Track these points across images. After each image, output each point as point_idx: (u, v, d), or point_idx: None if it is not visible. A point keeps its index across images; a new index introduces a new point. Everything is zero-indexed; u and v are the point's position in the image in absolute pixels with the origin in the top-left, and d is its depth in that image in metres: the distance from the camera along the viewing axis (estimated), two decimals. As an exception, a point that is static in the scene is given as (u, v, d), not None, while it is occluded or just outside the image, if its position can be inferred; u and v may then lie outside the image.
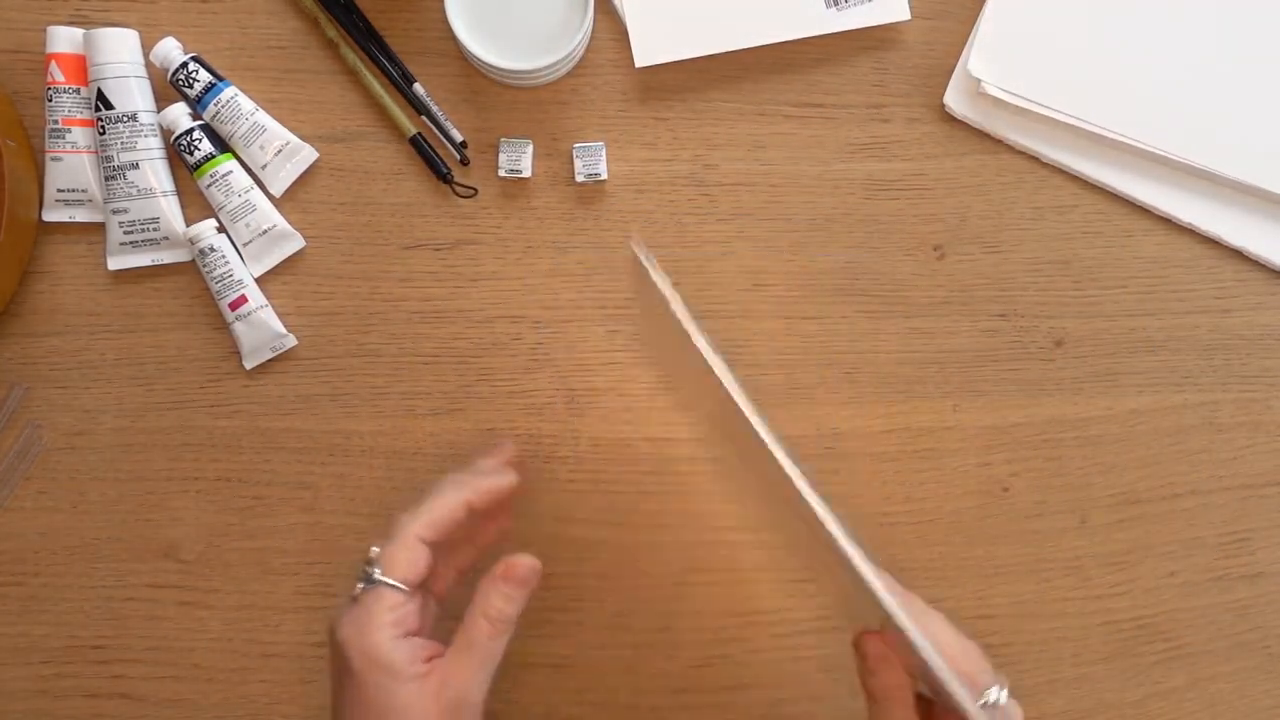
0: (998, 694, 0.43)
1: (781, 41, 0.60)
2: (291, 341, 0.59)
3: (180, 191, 0.59)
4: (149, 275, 0.59)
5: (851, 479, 0.61)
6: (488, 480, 0.50)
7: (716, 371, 0.42)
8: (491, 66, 0.57)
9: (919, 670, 0.44)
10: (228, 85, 0.58)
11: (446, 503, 0.47)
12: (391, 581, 0.44)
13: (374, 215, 0.60)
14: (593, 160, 0.60)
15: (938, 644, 0.40)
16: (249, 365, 0.59)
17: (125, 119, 0.57)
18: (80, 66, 0.58)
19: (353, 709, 0.43)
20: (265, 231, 0.59)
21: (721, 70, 0.61)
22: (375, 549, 0.46)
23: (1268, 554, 0.62)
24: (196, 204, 0.60)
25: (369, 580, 0.45)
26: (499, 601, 0.46)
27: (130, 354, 0.59)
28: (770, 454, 0.41)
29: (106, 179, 0.58)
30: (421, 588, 0.47)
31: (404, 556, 0.45)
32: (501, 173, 0.60)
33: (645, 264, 0.44)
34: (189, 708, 0.58)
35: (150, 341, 0.59)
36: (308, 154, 0.59)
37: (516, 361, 0.60)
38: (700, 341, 0.42)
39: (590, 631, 0.59)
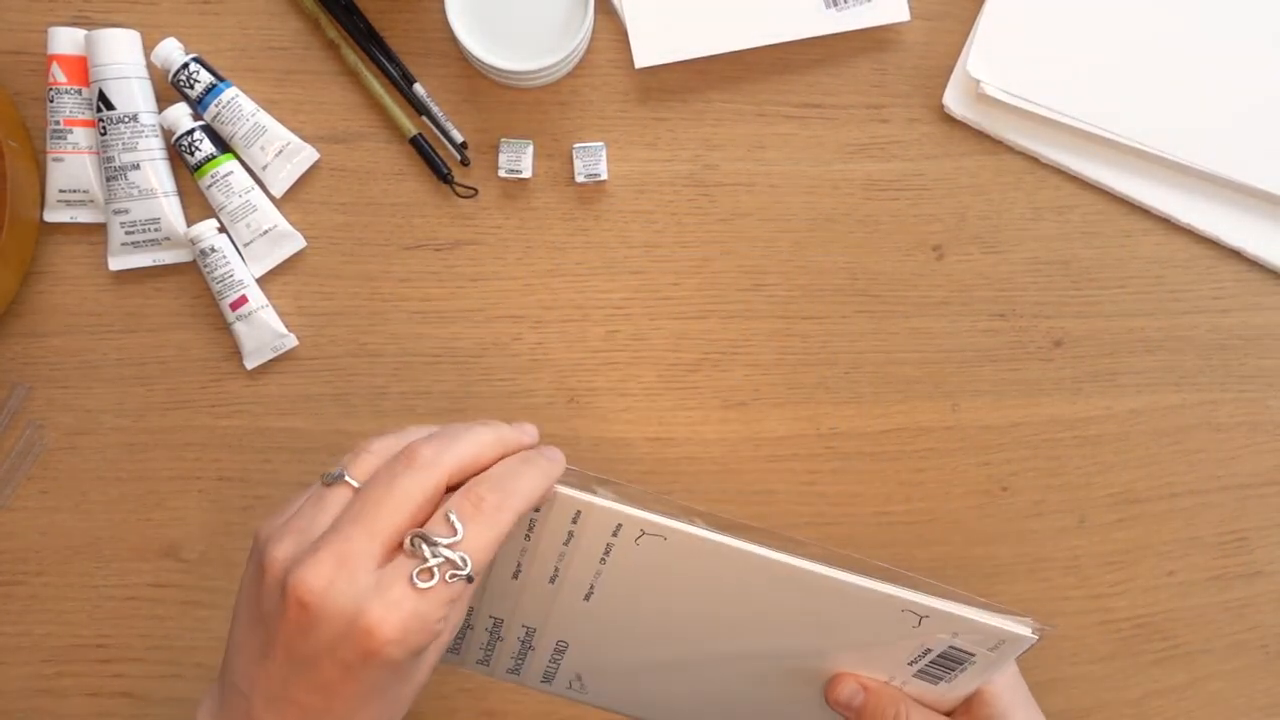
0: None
1: (781, 42, 0.60)
2: (292, 341, 0.59)
3: (181, 192, 0.59)
4: (150, 275, 0.59)
5: (851, 479, 0.61)
6: (557, 470, 0.41)
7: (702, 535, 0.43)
8: (492, 67, 0.57)
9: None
10: (229, 86, 0.58)
11: (536, 492, 0.38)
12: (474, 577, 0.35)
13: (374, 215, 0.60)
14: (593, 160, 0.60)
15: None
16: (250, 365, 0.59)
17: (126, 120, 0.57)
18: (82, 67, 0.58)
19: (378, 691, 0.35)
20: (266, 232, 0.59)
21: (721, 70, 0.61)
22: (459, 524, 0.35)
23: (1265, 553, 0.62)
24: (197, 204, 0.60)
25: (456, 572, 0.35)
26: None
27: (131, 354, 0.59)
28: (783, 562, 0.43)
29: (108, 179, 0.58)
30: None
31: (492, 555, 0.36)
32: (502, 173, 0.60)
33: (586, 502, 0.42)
34: (191, 707, 0.58)
35: (151, 341, 0.59)
36: (308, 154, 0.60)
37: (516, 361, 0.60)
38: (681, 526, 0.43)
39: (590, 630, 0.59)
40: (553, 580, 0.44)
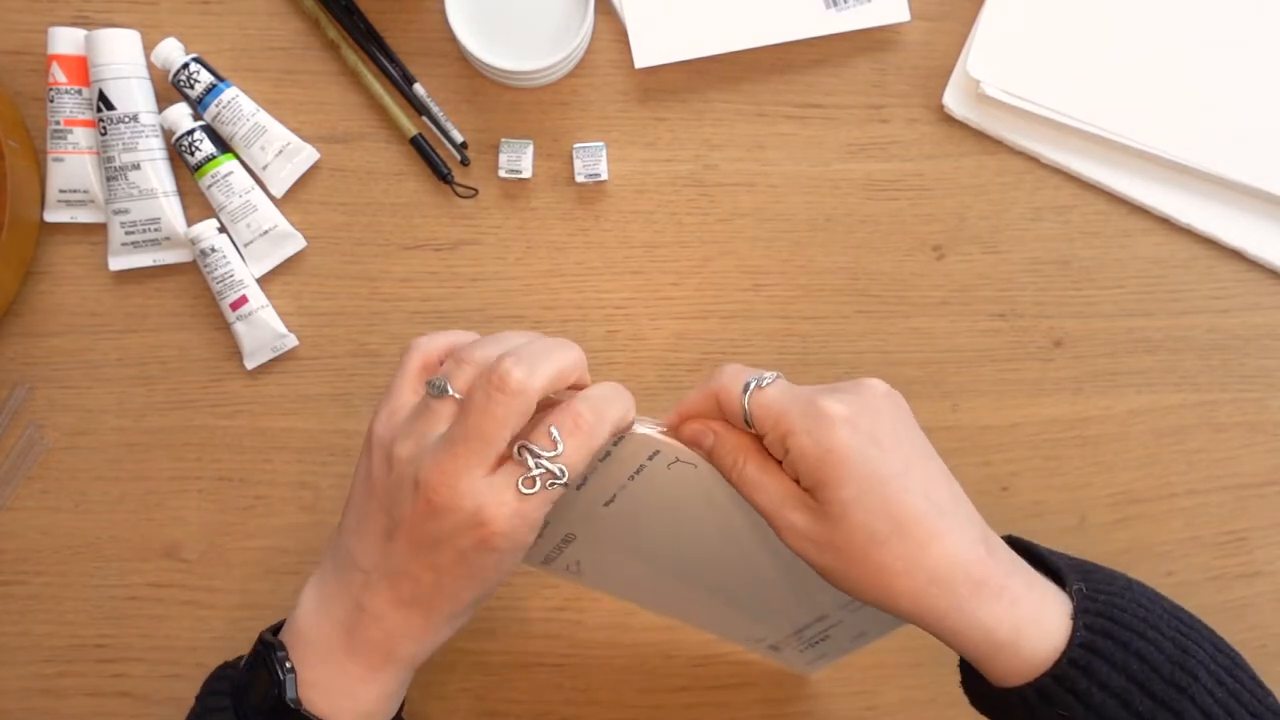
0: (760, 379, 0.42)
1: (781, 42, 0.60)
2: (292, 341, 0.59)
3: (181, 192, 0.60)
4: (150, 275, 0.60)
5: (851, 478, 0.61)
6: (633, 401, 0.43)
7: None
8: (492, 67, 0.57)
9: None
10: (229, 86, 0.58)
11: (624, 418, 0.42)
12: (570, 484, 0.40)
13: (375, 215, 0.60)
14: (593, 160, 0.60)
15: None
16: (250, 365, 0.59)
17: (126, 120, 0.57)
18: (82, 67, 0.58)
19: (480, 574, 0.40)
20: (266, 232, 0.59)
21: (721, 71, 0.61)
22: (559, 438, 0.39)
23: (1265, 553, 0.62)
24: (198, 204, 0.60)
25: (555, 481, 0.39)
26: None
27: (132, 354, 0.59)
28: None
29: (108, 179, 0.58)
30: None
31: (586, 466, 0.40)
32: (502, 173, 0.60)
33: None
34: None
35: (152, 341, 0.59)
36: (309, 154, 0.60)
37: (517, 361, 0.60)
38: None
39: (590, 631, 0.59)
40: (579, 486, 0.46)
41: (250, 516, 0.59)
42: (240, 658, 0.44)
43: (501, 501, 0.39)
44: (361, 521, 0.42)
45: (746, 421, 0.42)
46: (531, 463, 0.39)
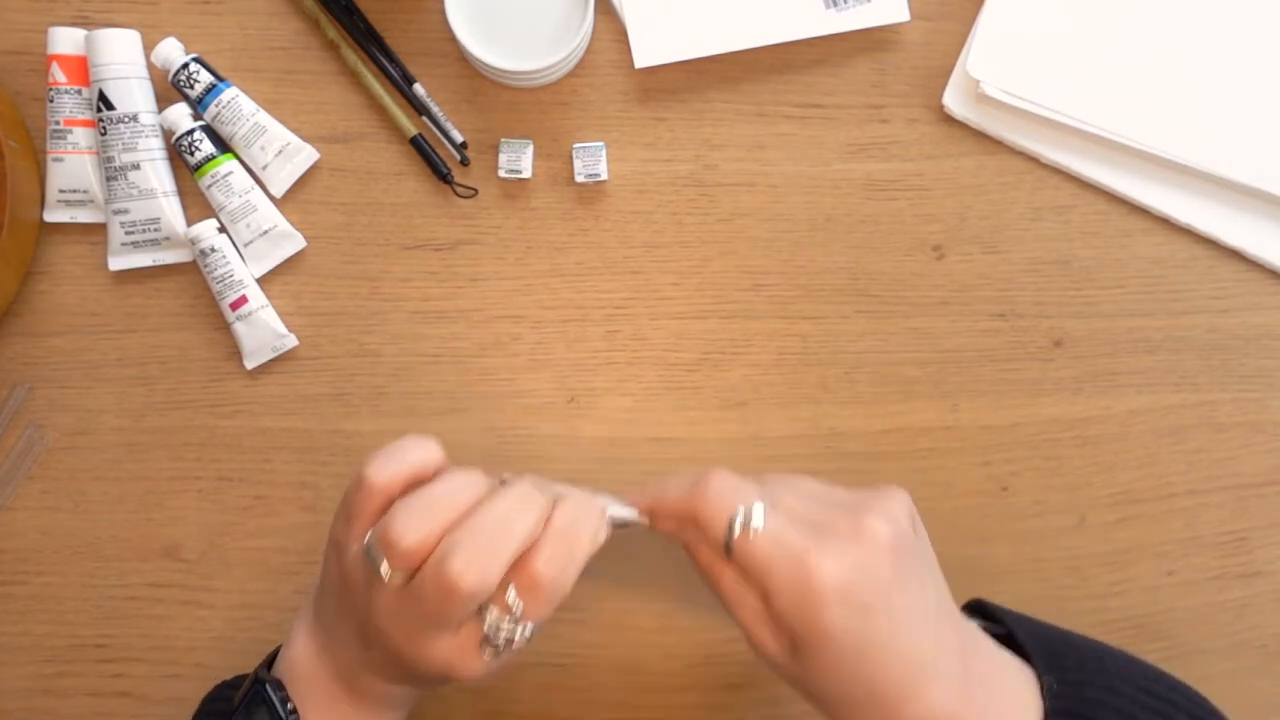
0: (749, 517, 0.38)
1: (781, 42, 0.60)
2: (292, 341, 0.59)
3: (181, 192, 0.60)
4: (150, 275, 0.60)
5: (851, 479, 0.61)
6: (603, 519, 0.41)
7: None
8: (491, 67, 0.57)
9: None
10: (229, 86, 0.58)
11: (593, 546, 0.40)
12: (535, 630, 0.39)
13: (374, 215, 0.60)
14: (593, 160, 0.60)
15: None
16: (250, 365, 0.59)
17: (126, 120, 0.57)
18: (82, 67, 0.58)
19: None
20: (266, 232, 0.59)
21: (721, 71, 0.61)
22: (520, 607, 0.37)
23: (1265, 553, 0.62)
24: (197, 204, 0.60)
25: (528, 635, 0.38)
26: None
27: (132, 354, 0.59)
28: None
29: (108, 179, 0.58)
30: None
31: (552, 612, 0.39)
32: (501, 173, 0.60)
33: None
34: (191, 707, 0.58)
35: (152, 341, 0.59)
36: (308, 154, 0.60)
37: (516, 361, 0.60)
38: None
39: (590, 631, 0.59)
40: None
41: (250, 516, 0.59)
42: (239, 677, 0.44)
43: (467, 661, 0.39)
44: (338, 613, 0.42)
45: (728, 553, 0.39)
46: (491, 632, 0.38)
